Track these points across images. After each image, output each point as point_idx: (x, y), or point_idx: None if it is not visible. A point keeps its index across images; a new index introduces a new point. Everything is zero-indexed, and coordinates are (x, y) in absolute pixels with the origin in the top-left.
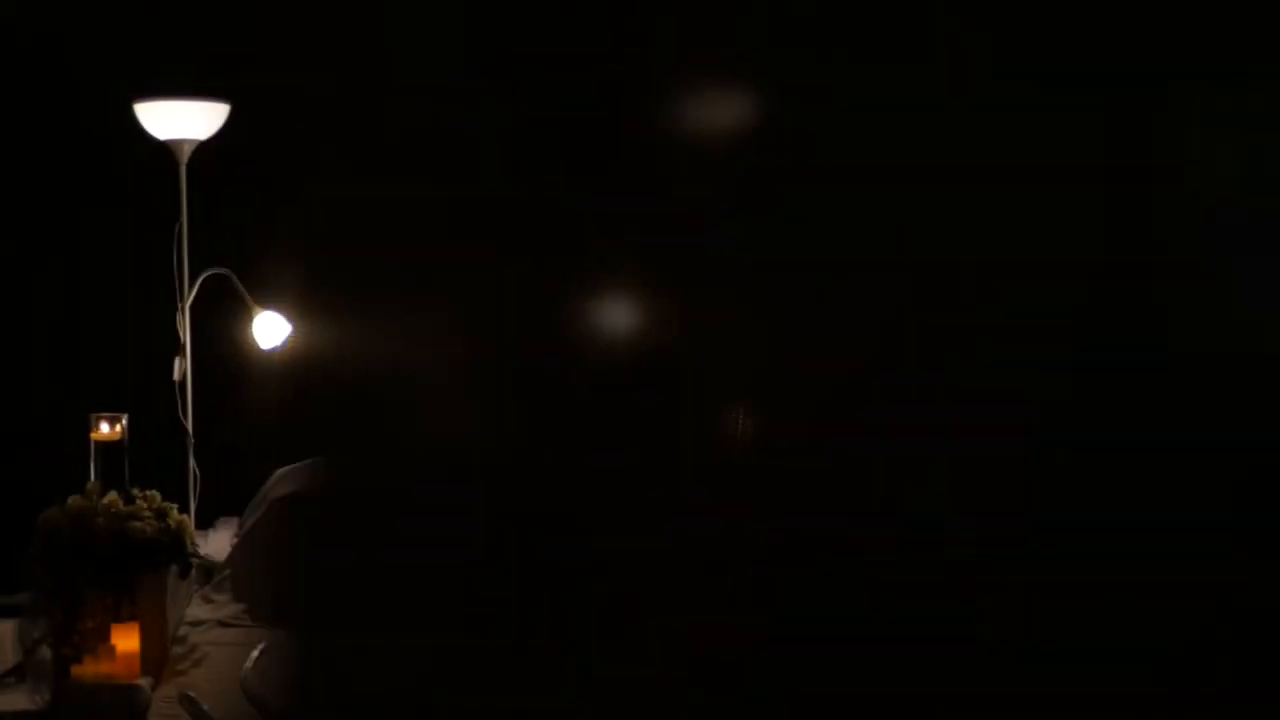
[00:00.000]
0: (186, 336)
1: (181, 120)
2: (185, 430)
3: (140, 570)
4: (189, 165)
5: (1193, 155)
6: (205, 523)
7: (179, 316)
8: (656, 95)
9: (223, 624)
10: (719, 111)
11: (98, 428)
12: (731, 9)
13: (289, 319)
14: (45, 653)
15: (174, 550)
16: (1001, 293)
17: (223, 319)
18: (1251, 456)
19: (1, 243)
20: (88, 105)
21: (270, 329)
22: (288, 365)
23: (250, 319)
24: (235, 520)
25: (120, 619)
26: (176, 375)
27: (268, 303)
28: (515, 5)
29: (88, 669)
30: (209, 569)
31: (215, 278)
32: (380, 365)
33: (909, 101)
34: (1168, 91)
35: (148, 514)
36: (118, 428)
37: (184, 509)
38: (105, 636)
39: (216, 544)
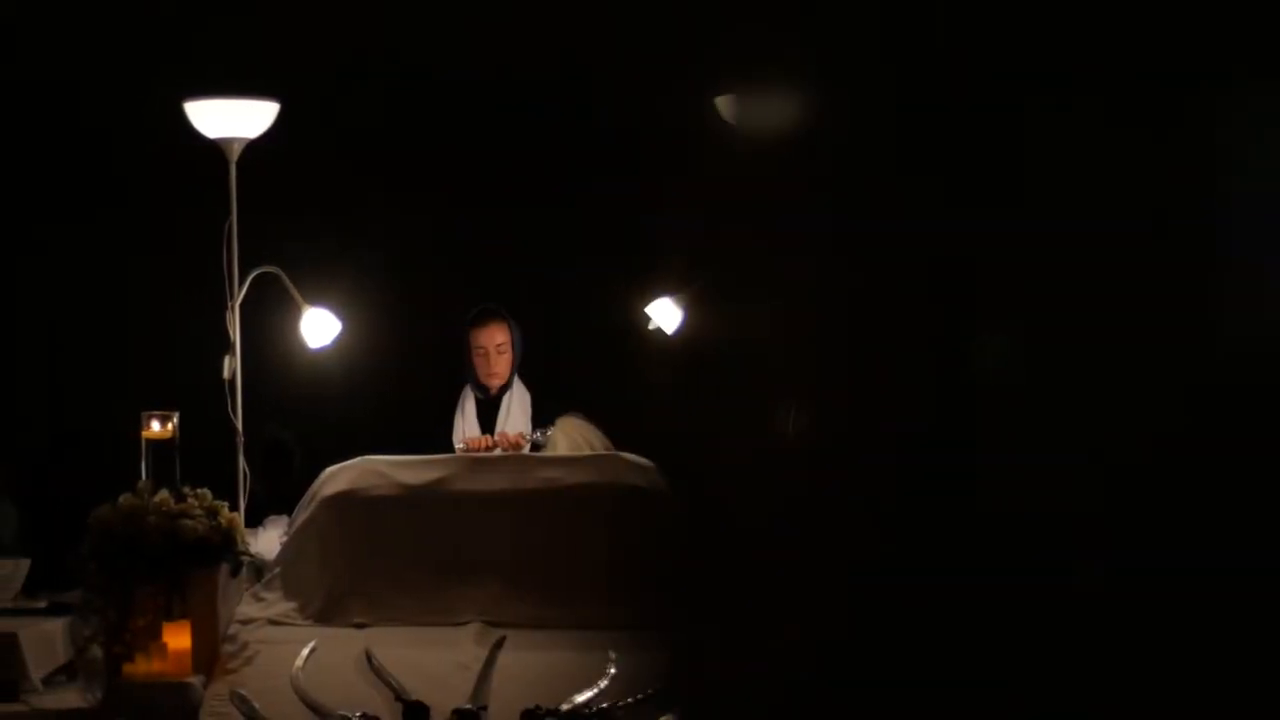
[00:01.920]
0: (236, 335)
1: (231, 119)
2: (235, 429)
3: (191, 568)
4: (238, 163)
5: None
6: (254, 521)
7: (228, 315)
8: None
9: (273, 622)
10: None
11: (149, 426)
12: None
13: (340, 316)
14: (96, 651)
15: (225, 548)
16: None
17: (273, 317)
18: None
19: (52, 243)
20: (136, 104)
21: (320, 326)
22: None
23: (299, 317)
24: (284, 519)
25: (171, 617)
26: (226, 374)
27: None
28: None
29: (139, 667)
30: (259, 567)
31: (264, 276)
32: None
33: None
34: None
35: (199, 512)
36: (169, 426)
37: (233, 507)
38: (157, 635)
39: (266, 542)
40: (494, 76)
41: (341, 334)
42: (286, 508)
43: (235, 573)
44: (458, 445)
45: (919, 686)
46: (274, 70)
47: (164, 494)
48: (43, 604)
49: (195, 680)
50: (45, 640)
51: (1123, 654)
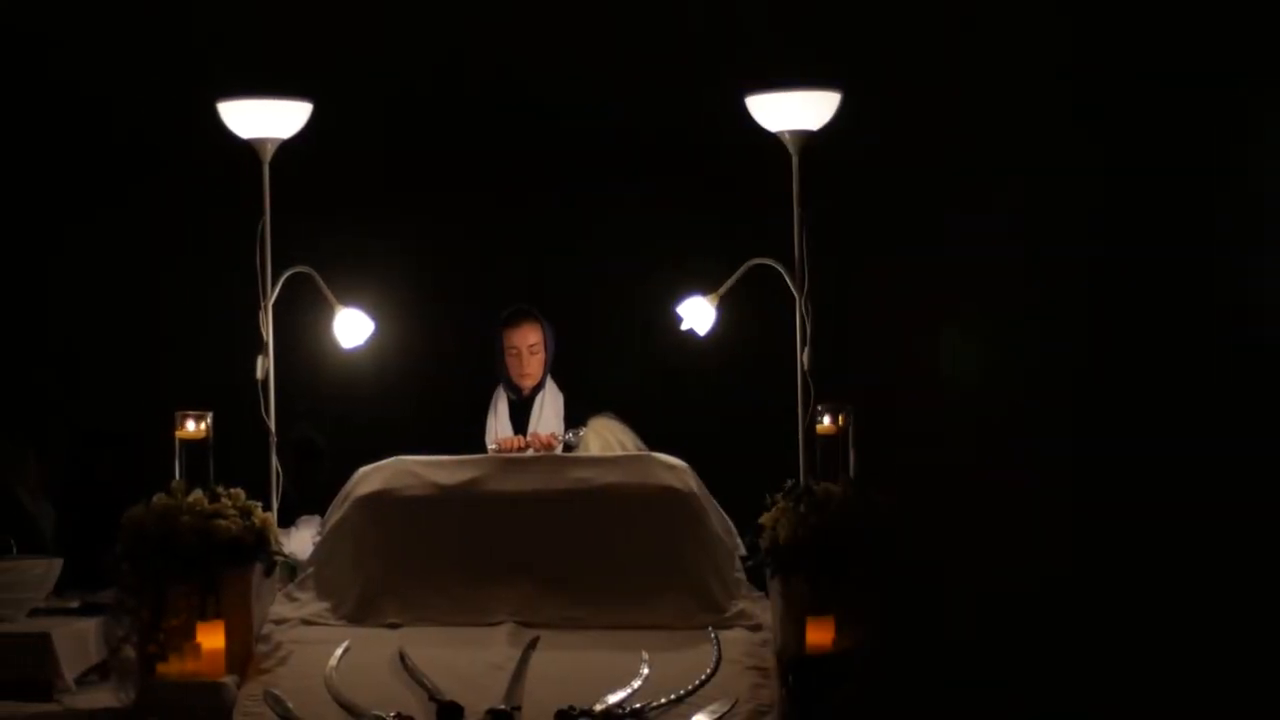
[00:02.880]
0: (269, 335)
1: (264, 119)
2: (268, 429)
3: (225, 568)
4: (271, 164)
5: None
6: (286, 521)
7: (261, 315)
8: None
9: (306, 622)
10: None
11: (183, 426)
12: None
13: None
14: (129, 651)
15: (258, 548)
16: None
17: (305, 317)
18: None
19: (86, 244)
20: (168, 105)
21: (352, 326)
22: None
23: (332, 317)
24: (316, 519)
25: (205, 617)
26: (259, 374)
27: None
28: None
29: (173, 667)
30: (293, 567)
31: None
32: None
33: None
34: None
35: (232, 512)
36: (203, 426)
37: (266, 507)
38: (190, 635)
39: (298, 542)
40: (527, 76)
41: (374, 334)
42: (316, 508)
43: (269, 573)
44: (490, 446)
45: None
46: (307, 70)
47: (198, 494)
48: (75, 604)
49: (229, 680)
50: (78, 640)
51: None
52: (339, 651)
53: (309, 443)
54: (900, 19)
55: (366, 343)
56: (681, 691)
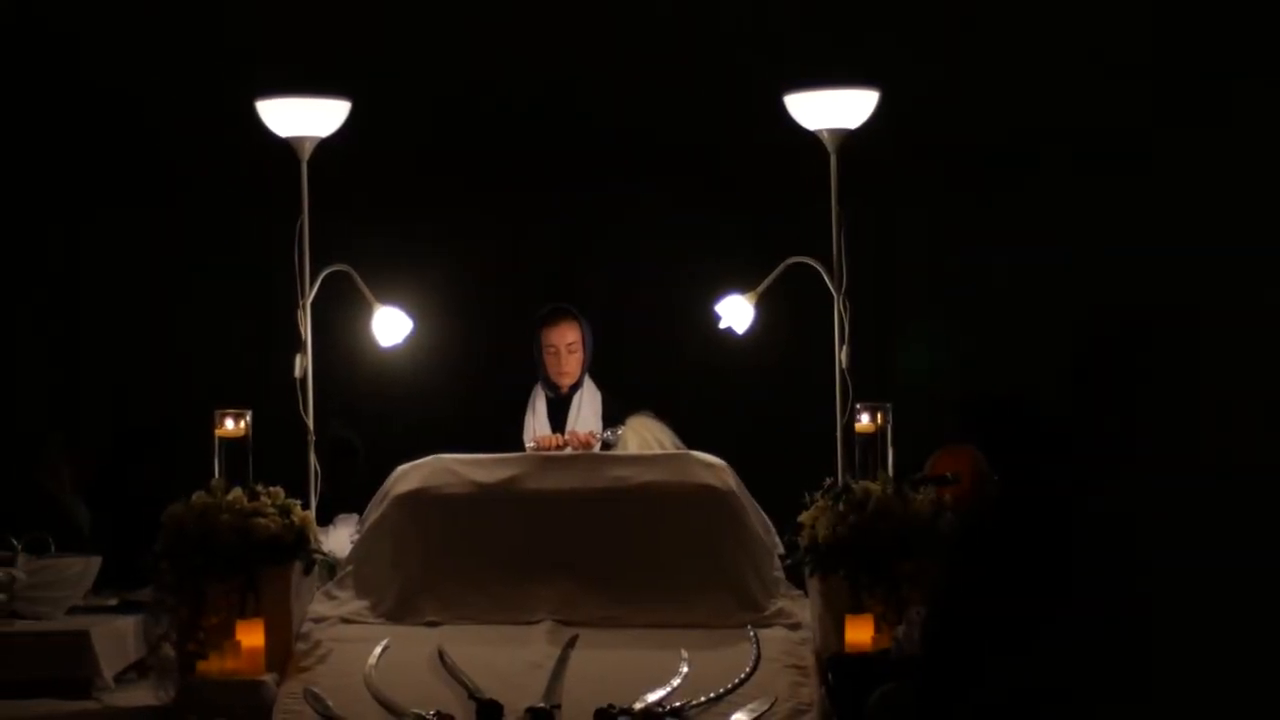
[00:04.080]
0: (307, 333)
1: (302, 117)
2: (306, 427)
3: (264, 566)
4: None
5: None
6: (324, 519)
7: (299, 313)
8: None
9: (346, 620)
10: None
11: (222, 424)
12: None
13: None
14: (169, 649)
15: (298, 546)
16: None
17: (342, 316)
18: None
19: (125, 241)
20: (207, 103)
21: (391, 325)
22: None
23: (370, 315)
24: (354, 517)
25: (245, 615)
26: (297, 372)
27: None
28: None
29: (212, 665)
30: (331, 565)
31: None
32: None
33: None
34: None
35: (271, 510)
36: (242, 424)
37: (304, 506)
38: (230, 632)
39: (336, 541)
40: (564, 76)
41: (412, 332)
42: (351, 507)
43: (308, 571)
44: (528, 444)
45: None
46: (345, 69)
47: (237, 492)
48: (113, 601)
49: (268, 678)
50: (116, 638)
51: None
52: (378, 650)
53: (343, 441)
54: (939, 13)
55: (405, 341)
56: (721, 690)
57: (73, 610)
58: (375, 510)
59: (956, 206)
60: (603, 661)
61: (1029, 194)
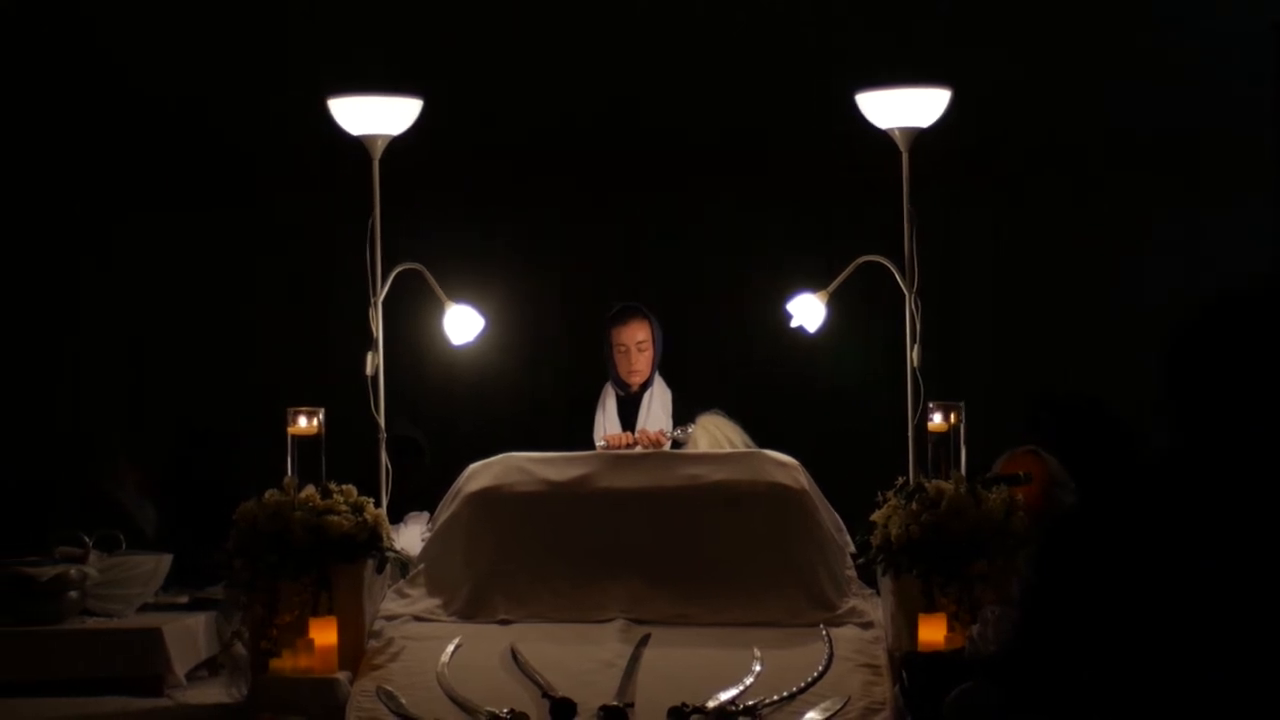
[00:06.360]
0: (379, 331)
1: (374, 116)
2: (377, 425)
3: (337, 564)
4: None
5: None
6: (395, 517)
7: (371, 311)
8: None
9: (418, 618)
10: None
11: (295, 422)
12: None
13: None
14: (242, 646)
15: (370, 544)
16: None
17: (416, 314)
18: None
19: (200, 241)
20: (280, 103)
21: (463, 323)
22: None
23: (441, 313)
24: (425, 515)
25: (318, 613)
26: (369, 370)
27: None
28: None
29: (285, 663)
30: (404, 563)
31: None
32: None
33: None
34: None
35: (344, 508)
36: (314, 422)
37: (376, 503)
38: (303, 630)
39: (407, 538)
40: (633, 75)
41: (484, 331)
42: (418, 505)
43: (380, 569)
44: (598, 442)
45: None
46: (417, 67)
47: (310, 490)
48: (184, 599)
49: (341, 676)
50: (188, 636)
51: None
52: (450, 647)
53: (408, 440)
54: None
55: (476, 339)
56: (793, 689)
57: (144, 608)
58: (447, 508)
59: (1029, 205)
60: (675, 660)
61: (1108, 192)
